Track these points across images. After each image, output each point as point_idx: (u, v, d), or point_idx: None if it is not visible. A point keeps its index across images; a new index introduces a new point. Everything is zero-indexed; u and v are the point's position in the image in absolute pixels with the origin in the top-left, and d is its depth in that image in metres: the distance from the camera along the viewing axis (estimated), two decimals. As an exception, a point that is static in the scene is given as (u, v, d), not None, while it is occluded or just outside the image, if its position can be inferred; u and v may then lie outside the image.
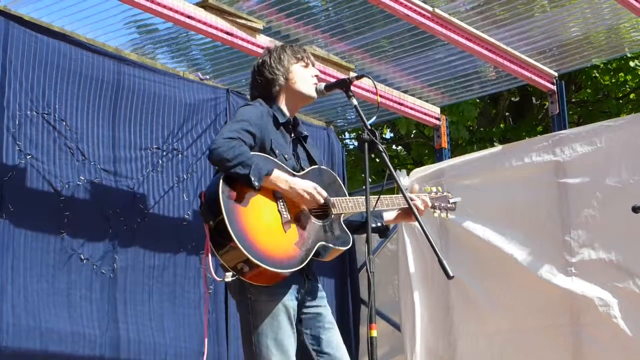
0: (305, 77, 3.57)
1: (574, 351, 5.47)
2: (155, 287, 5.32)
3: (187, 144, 5.67)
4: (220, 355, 5.51)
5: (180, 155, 5.61)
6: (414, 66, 6.48)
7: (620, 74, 10.76)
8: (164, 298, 5.35)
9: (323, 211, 3.42)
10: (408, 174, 6.49)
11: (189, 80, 5.90)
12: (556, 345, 5.51)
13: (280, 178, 3.31)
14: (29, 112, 4.90)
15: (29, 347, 4.67)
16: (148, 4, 4.98)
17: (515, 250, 5.73)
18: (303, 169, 3.49)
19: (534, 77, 6.42)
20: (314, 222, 3.37)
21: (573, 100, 11.34)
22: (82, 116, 5.16)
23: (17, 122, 4.84)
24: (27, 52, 4.93)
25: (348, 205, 3.46)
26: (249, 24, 5.48)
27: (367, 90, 6.12)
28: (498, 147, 6.46)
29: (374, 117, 3.37)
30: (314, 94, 3.57)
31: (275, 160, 3.36)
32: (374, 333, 3.00)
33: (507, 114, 11.58)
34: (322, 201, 3.37)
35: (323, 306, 3.45)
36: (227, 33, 5.39)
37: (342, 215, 3.47)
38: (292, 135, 3.57)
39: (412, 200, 3.55)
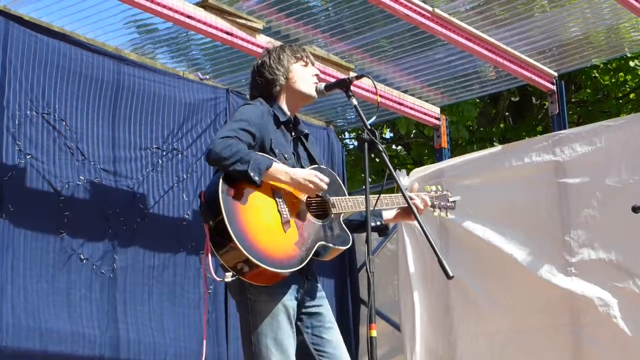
0: (305, 77, 3.57)
1: (574, 351, 5.47)
2: (155, 287, 5.32)
3: (187, 143, 5.67)
4: (220, 355, 5.50)
5: (180, 155, 5.61)
6: (414, 66, 6.48)
7: (620, 74, 10.77)
8: (164, 298, 5.35)
9: (323, 211, 3.43)
10: (408, 174, 6.49)
11: (189, 80, 5.90)
12: (556, 345, 5.51)
13: (280, 170, 3.30)
14: (28, 112, 4.90)
15: (29, 347, 4.66)
16: (148, 4, 4.98)
17: (515, 250, 5.72)
18: (303, 168, 3.49)
19: (533, 77, 6.42)
20: (314, 222, 3.37)
21: (573, 100, 11.34)
22: (82, 116, 5.16)
23: (17, 122, 4.84)
24: (27, 52, 4.93)
25: (348, 204, 3.47)
26: (249, 23, 5.48)
27: (367, 90, 6.12)
28: (498, 147, 6.46)
29: (374, 117, 3.37)
30: (314, 93, 3.57)
31: (274, 159, 3.37)
32: (374, 333, 3.00)
33: (507, 114, 11.58)
34: (325, 187, 3.37)
35: (323, 306, 3.45)
36: (227, 33, 5.39)
37: (342, 214, 3.47)
38: (293, 134, 3.57)
39: (411, 199, 3.55)
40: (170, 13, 5.10)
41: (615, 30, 6.34)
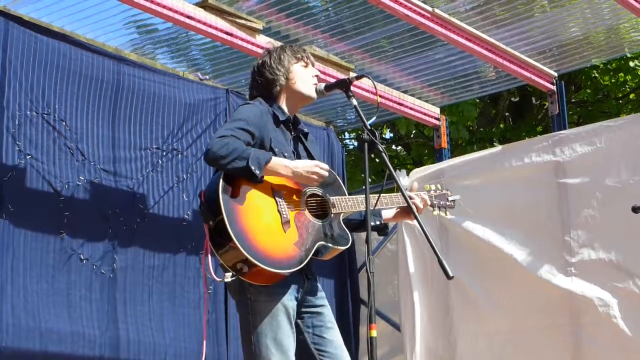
0: (305, 77, 3.57)
1: (574, 351, 5.47)
2: (155, 287, 5.32)
3: (187, 144, 5.67)
4: (220, 355, 5.50)
5: (180, 155, 5.61)
6: (414, 66, 6.48)
7: (620, 74, 10.77)
8: (164, 298, 5.35)
9: (322, 210, 3.43)
10: (408, 174, 6.49)
11: (189, 81, 5.90)
12: (556, 345, 5.51)
13: (281, 164, 3.30)
14: (28, 112, 4.90)
15: (29, 347, 4.66)
16: (148, 4, 4.98)
17: (515, 250, 5.72)
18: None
19: (533, 77, 6.42)
20: (314, 222, 3.37)
21: (573, 100, 11.34)
22: (82, 116, 5.16)
23: (16, 122, 4.84)
24: (27, 52, 4.93)
25: (347, 204, 3.47)
26: (249, 24, 5.48)
27: (367, 91, 6.12)
28: (498, 147, 6.46)
29: (374, 117, 3.37)
30: (314, 94, 3.58)
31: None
32: (374, 333, 3.00)
33: (507, 114, 11.58)
34: (326, 174, 3.37)
35: (324, 306, 3.45)
36: (227, 33, 5.39)
37: (342, 214, 3.48)
38: (293, 133, 3.57)
39: (411, 198, 3.56)
40: (170, 13, 5.10)
41: (615, 30, 6.34)
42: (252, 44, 5.51)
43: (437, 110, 7.02)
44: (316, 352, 3.37)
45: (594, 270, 5.41)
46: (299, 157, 3.53)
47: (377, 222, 3.68)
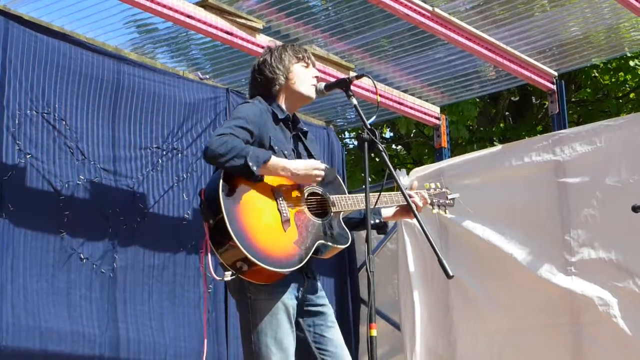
0: (305, 78, 3.57)
1: (574, 351, 5.47)
2: (155, 287, 5.32)
3: (187, 143, 5.67)
4: (220, 354, 5.51)
5: (180, 155, 5.61)
6: (414, 66, 6.48)
7: (620, 74, 10.77)
8: (164, 297, 5.35)
9: (322, 209, 3.43)
10: (408, 174, 6.49)
11: (189, 80, 5.90)
12: (556, 345, 5.51)
13: (280, 164, 3.31)
14: (28, 112, 4.90)
15: (29, 346, 4.66)
16: (148, 4, 4.98)
17: (515, 249, 5.72)
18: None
19: (533, 76, 6.42)
20: (313, 221, 3.37)
21: (573, 99, 11.34)
22: (82, 115, 5.16)
23: (16, 122, 4.83)
24: (27, 52, 4.93)
25: (347, 203, 3.47)
26: (249, 23, 5.48)
27: (367, 90, 6.12)
28: (498, 147, 6.46)
29: (374, 117, 3.37)
30: (313, 95, 3.58)
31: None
32: (374, 332, 3.00)
33: (507, 113, 11.58)
34: (322, 173, 3.37)
35: (325, 305, 3.45)
36: (227, 32, 5.39)
37: (342, 213, 3.48)
38: (292, 131, 3.57)
39: (410, 197, 3.55)
40: (170, 13, 5.10)
41: (615, 30, 6.34)
42: (252, 43, 5.51)
43: (437, 109, 7.02)
44: (317, 351, 3.37)
45: (594, 269, 5.41)
46: (298, 155, 3.53)
47: (377, 221, 3.69)
